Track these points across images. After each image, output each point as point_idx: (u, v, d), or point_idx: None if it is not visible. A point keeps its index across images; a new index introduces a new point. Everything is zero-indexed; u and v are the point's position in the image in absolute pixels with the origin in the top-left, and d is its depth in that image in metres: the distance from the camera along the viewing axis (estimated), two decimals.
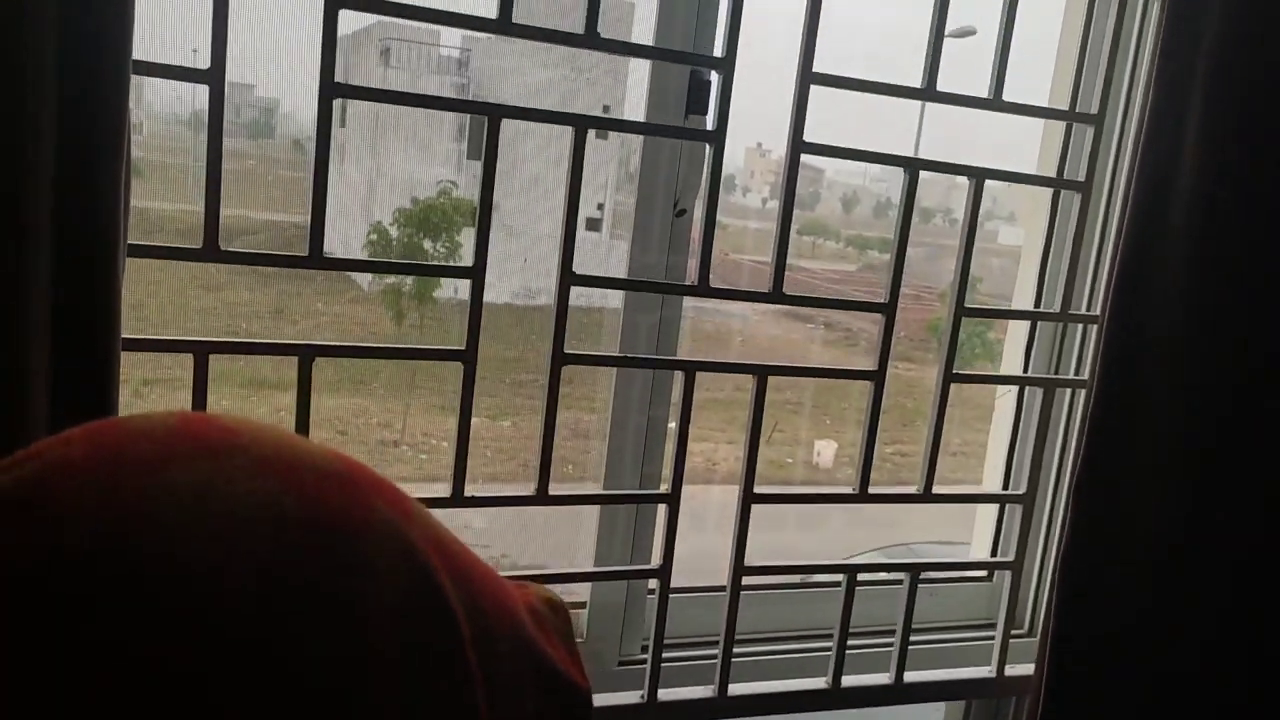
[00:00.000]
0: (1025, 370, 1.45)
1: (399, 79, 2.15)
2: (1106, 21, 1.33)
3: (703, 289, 1.20)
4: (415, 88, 2.12)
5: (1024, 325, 1.48)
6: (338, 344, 1.07)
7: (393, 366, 2.00)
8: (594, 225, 2.12)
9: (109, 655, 0.31)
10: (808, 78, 1.19)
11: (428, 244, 2.10)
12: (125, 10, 0.83)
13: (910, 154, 1.26)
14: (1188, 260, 1.24)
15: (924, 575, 1.41)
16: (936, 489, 1.34)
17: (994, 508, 1.54)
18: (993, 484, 1.54)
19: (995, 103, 1.28)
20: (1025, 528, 1.42)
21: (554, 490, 1.17)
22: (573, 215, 1.12)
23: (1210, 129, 1.20)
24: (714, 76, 1.20)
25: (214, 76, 0.96)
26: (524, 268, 1.76)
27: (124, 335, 0.89)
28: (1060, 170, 1.37)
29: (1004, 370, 1.52)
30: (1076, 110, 1.33)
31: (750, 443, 1.25)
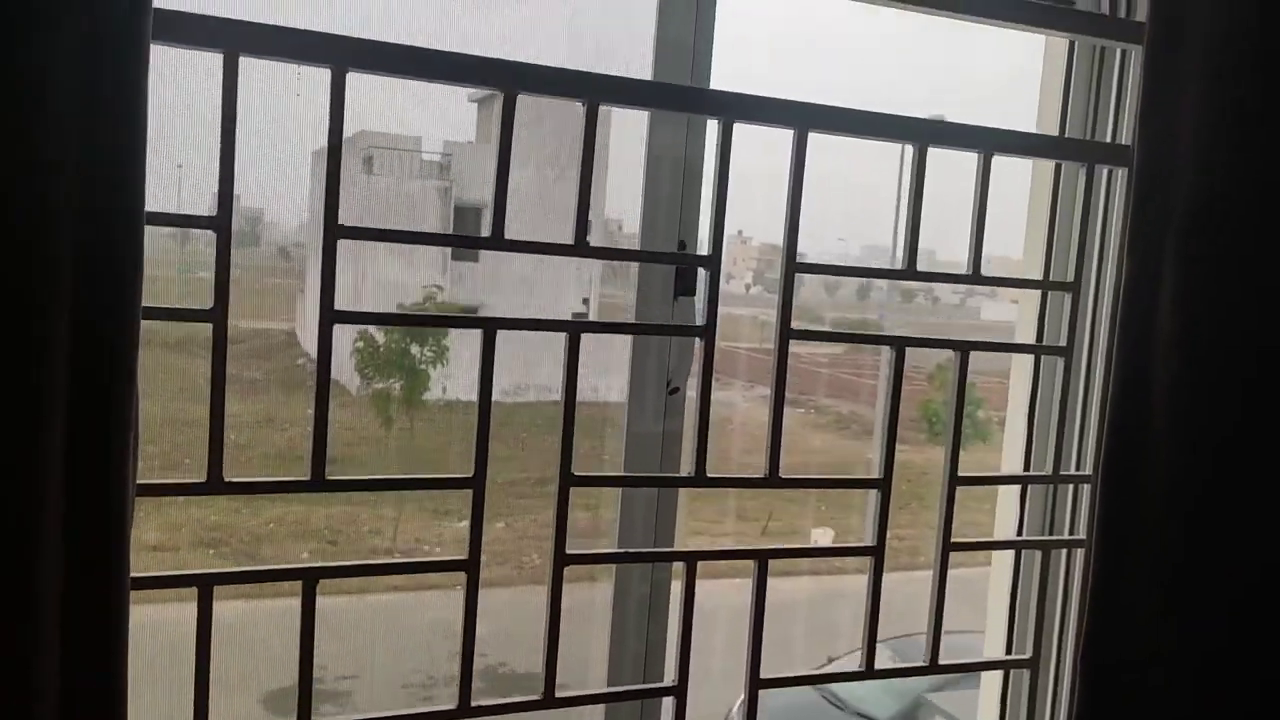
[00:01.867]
0: (1020, 532, 1.46)
1: (383, 185, 2.20)
2: (1076, 189, 1.37)
3: (700, 479, 1.21)
4: (399, 192, 2.18)
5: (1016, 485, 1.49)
6: (339, 564, 1.07)
7: (383, 470, 1.97)
8: (580, 319, 2.16)
9: None
10: (792, 266, 1.23)
11: (415, 348, 2.11)
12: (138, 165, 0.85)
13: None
14: (1173, 415, 1.26)
15: None
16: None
17: (1005, 590, 1.54)
18: (996, 647, 1.54)
19: (975, 278, 1.32)
20: (1033, 691, 1.41)
21: (562, 675, 1.16)
22: (569, 421, 1.13)
23: (1184, 300, 1.23)
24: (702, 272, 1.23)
25: (216, 316, 0.98)
26: (511, 366, 1.78)
27: (133, 574, 0.89)
28: (1039, 336, 1.40)
29: (999, 533, 1.53)
30: (1051, 279, 1.37)
31: (754, 626, 1.25)
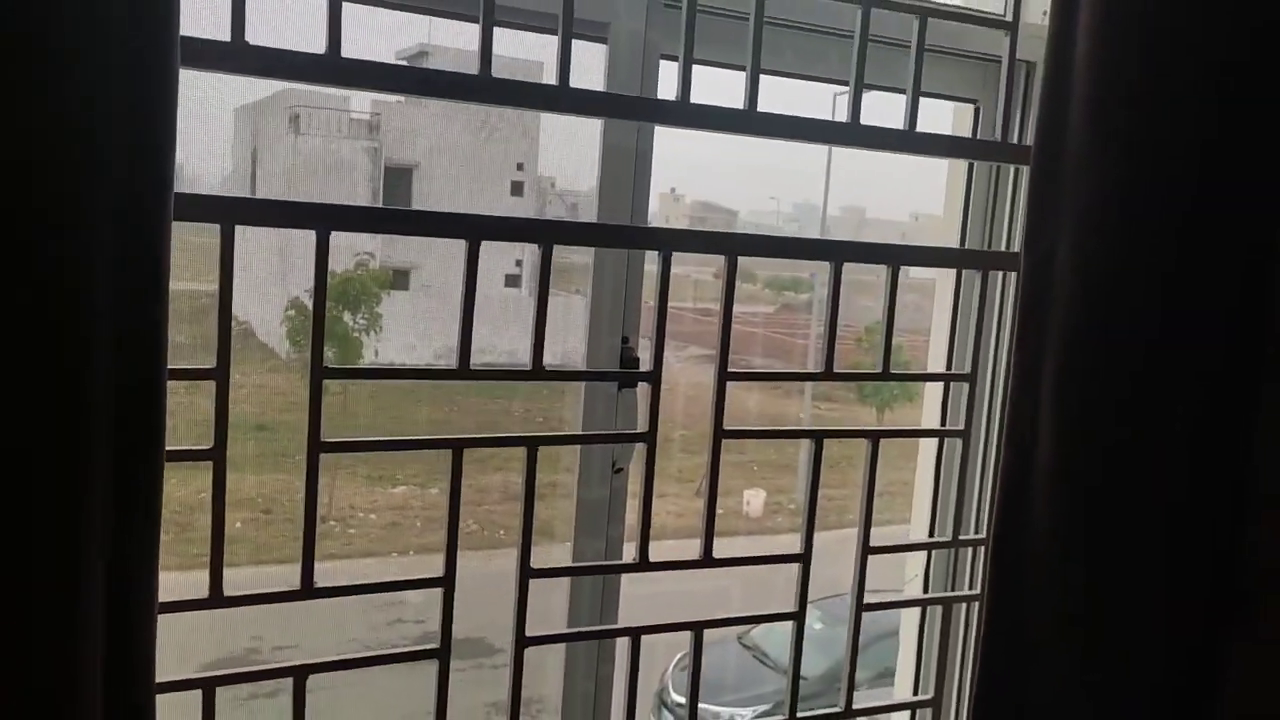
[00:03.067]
0: (925, 589, 1.65)
1: (309, 145, 2.15)
2: (973, 298, 1.55)
3: (643, 565, 1.37)
4: (327, 152, 2.15)
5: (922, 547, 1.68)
6: (331, 659, 1.22)
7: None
8: (513, 281, 2.15)
9: None
10: (724, 375, 1.39)
11: (347, 316, 2.11)
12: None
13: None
14: (1054, 486, 1.45)
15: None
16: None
17: (912, 637, 1.73)
18: (905, 687, 1.74)
19: (884, 375, 1.49)
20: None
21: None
22: (528, 524, 1.28)
23: (1062, 392, 1.42)
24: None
25: (216, 457, 1.11)
26: (447, 331, 1.84)
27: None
28: (943, 420, 1.59)
29: (908, 590, 1.72)
30: (951, 370, 1.55)
31: (692, 689, 1.42)
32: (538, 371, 1.28)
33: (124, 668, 1.00)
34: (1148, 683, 1.50)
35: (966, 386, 1.55)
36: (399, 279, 2.13)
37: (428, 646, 1.26)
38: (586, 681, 1.51)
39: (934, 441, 1.67)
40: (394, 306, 2.07)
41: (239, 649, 1.85)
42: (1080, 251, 1.41)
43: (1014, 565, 1.48)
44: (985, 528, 1.51)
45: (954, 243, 1.65)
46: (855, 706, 1.55)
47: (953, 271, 1.64)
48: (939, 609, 1.64)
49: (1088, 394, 1.42)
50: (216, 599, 1.14)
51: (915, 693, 1.70)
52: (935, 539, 1.64)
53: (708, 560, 1.40)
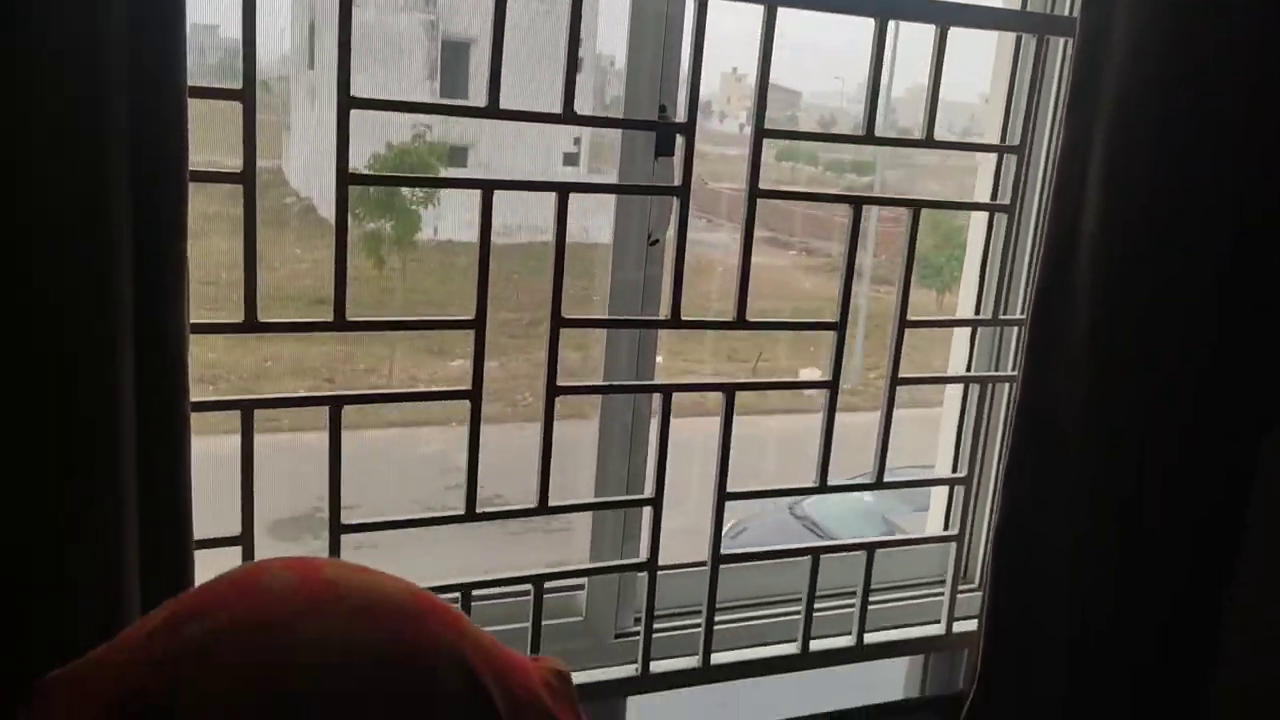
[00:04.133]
0: (969, 368, 1.64)
1: (366, 18, 2.05)
2: (1027, 70, 1.49)
3: (675, 322, 1.38)
4: (381, 24, 2.08)
5: (967, 329, 1.66)
6: (363, 393, 1.25)
7: (375, 310, 2.03)
8: (571, 160, 2.11)
9: None
10: (761, 132, 1.36)
11: (405, 190, 2.07)
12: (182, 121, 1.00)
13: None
14: (1095, 269, 1.42)
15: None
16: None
17: (954, 419, 1.74)
18: (944, 464, 1.74)
19: (929, 142, 1.45)
20: (966, 505, 1.62)
21: (553, 497, 1.36)
22: (560, 271, 1.28)
23: (1110, 160, 1.37)
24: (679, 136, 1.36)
25: (246, 177, 1.13)
26: (501, 209, 1.86)
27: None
28: (994, 194, 1.54)
29: (952, 367, 1.71)
30: (1004, 143, 1.50)
31: (722, 448, 1.44)
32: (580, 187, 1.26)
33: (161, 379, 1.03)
34: (1172, 465, 1.48)
35: (1014, 160, 1.50)
36: (456, 155, 2.12)
37: (460, 388, 1.29)
38: (620, 469, 1.53)
39: (983, 227, 1.63)
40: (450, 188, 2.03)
41: (306, 508, 1.93)
42: (1136, 19, 1.34)
43: (1051, 343, 1.46)
44: (1025, 310, 1.48)
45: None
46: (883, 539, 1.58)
47: (1009, 42, 1.56)
48: (976, 390, 1.63)
49: (1135, 169, 1.37)
50: (251, 323, 1.17)
51: (953, 470, 1.70)
52: (978, 316, 1.61)
53: (741, 322, 1.40)
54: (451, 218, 2.05)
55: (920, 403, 1.92)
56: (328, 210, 2.06)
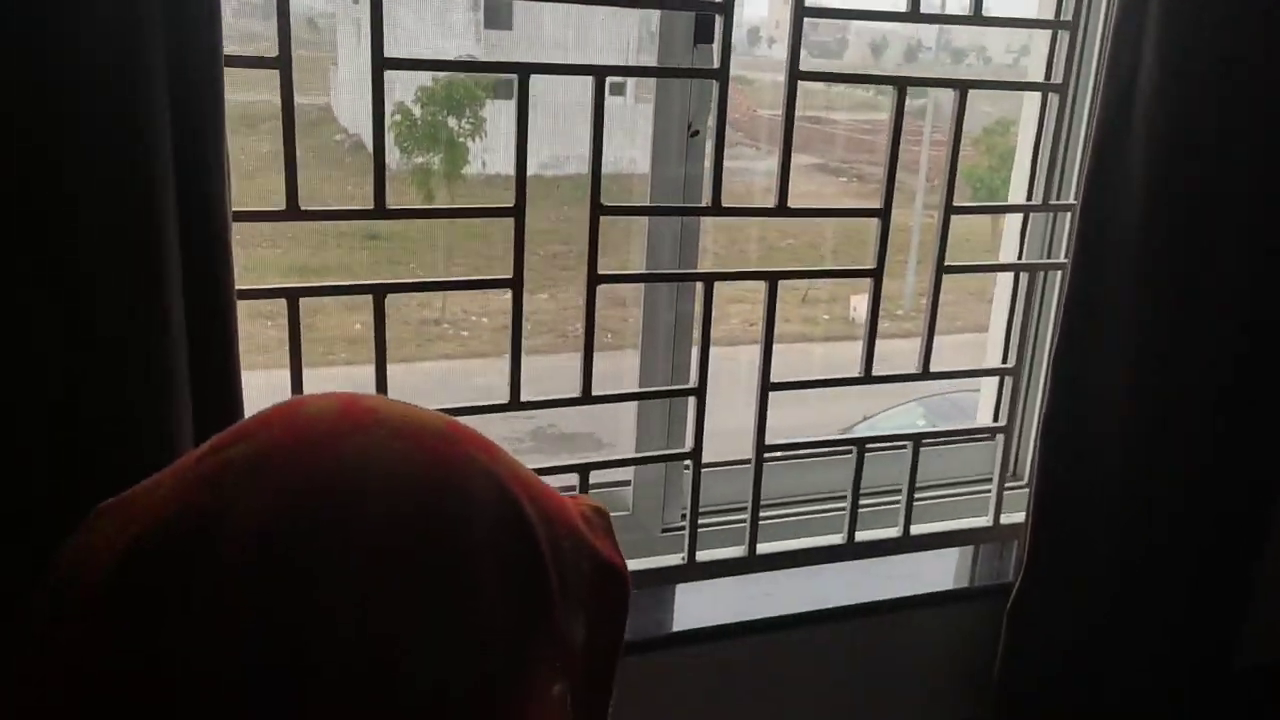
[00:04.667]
0: (1020, 257, 1.61)
1: None
2: None
3: (715, 210, 1.36)
4: None
5: (1019, 217, 1.63)
6: (406, 281, 1.26)
7: (426, 246, 2.03)
8: (618, 90, 2.09)
9: (330, 561, 0.51)
10: (801, 10, 1.33)
11: (452, 121, 2.07)
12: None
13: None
14: (1149, 152, 1.38)
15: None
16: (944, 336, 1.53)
17: (1004, 312, 1.72)
18: (994, 357, 1.72)
19: (978, 18, 1.41)
20: (1015, 395, 1.60)
21: (596, 385, 1.36)
22: (598, 158, 1.27)
23: (1167, 39, 1.32)
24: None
25: (282, 62, 1.12)
26: (550, 137, 1.83)
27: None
28: (1048, 75, 1.50)
29: (1002, 257, 1.68)
30: (1059, 19, 1.45)
31: (765, 339, 1.43)
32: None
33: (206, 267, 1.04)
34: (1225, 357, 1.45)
35: (1067, 39, 1.46)
36: (502, 88, 2.11)
37: (501, 276, 1.29)
38: (665, 364, 1.53)
39: (1035, 112, 1.59)
40: (496, 114, 2.02)
41: None
42: None
43: (1102, 229, 1.42)
44: (1076, 196, 1.44)
45: None
46: (929, 430, 1.55)
47: None
48: (1025, 279, 1.60)
49: (1192, 48, 1.32)
50: (293, 211, 1.17)
51: (1003, 361, 1.68)
52: (1029, 202, 1.58)
53: (782, 209, 1.38)
54: (502, 152, 2.03)
55: (972, 327, 1.89)
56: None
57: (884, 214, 1.44)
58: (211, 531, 0.52)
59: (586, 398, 1.36)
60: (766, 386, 1.45)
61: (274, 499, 0.53)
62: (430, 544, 0.54)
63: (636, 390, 1.47)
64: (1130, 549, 1.50)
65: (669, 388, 1.48)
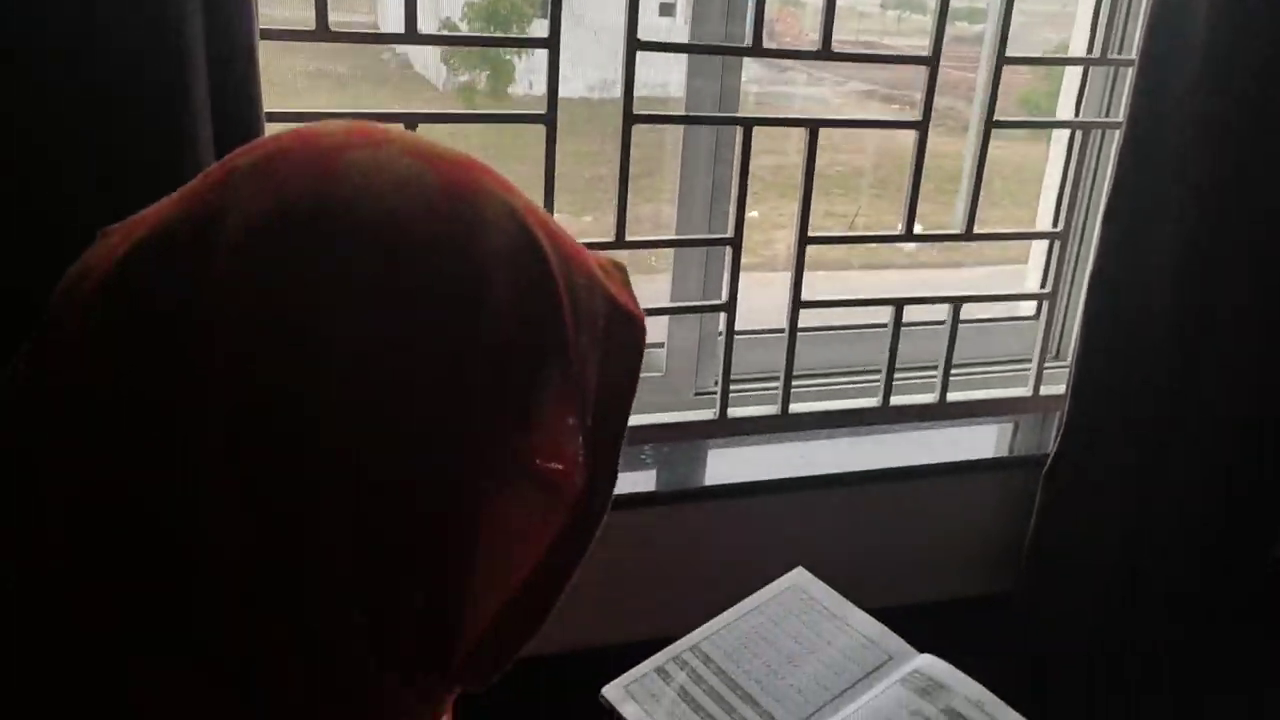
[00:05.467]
0: (1076, 115, 1.55)
1: None
2: None
3: (756, 50, 1.32)
4: None
5: (1077, 77, 1.57)
6: (439, 111, 1.23)
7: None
8: (668, 10, 2.18)
9: (347, 259, 0.50)
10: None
11: None
12: None
13: None
14: (1211, 10, 1.31)
15: (974, 313, 1.57)
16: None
17: (1057, 175, 1.66)
18: (1045, 218, 1.67)
19: None
20: (1060, 261, 1.56)
21: (630, 236, 1.34)
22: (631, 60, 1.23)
23: None
24: None
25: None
26: (600, 61, 1.81)
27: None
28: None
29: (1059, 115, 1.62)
30: None
31: (804, 189, 1.40)
32: None
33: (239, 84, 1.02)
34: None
35: None
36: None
37: (534, 111, 1.26)
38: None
39: None
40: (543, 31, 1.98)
41: None
42: None
43: (1161, 84, 1.36)
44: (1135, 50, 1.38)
45: None
46: (970, 294, 1.51)
47: None
48: (1080, 136, 1.54)
49: None
50: (323, 31, 1.15)
51: (1054, 225, 1.62)
52: (1087, 55, 1.51)
53: (825, 52, 1.34)
54: (546, 70, 2.02)
55: (1015, 259, 1.85)
56: (423, 66, 2.04)
57: (933, 61, 1.38)
58: (210, 231, 0.51)
59: (620, 242, 1.34)
60: (804, 240, 1.42)
61: (275, 200, 0.51)
62: (439, 249, 0.52)
63: (671, 238, 1.45)
64: (1175, 411, 1.46)
65: (706, 236, 1.45)
